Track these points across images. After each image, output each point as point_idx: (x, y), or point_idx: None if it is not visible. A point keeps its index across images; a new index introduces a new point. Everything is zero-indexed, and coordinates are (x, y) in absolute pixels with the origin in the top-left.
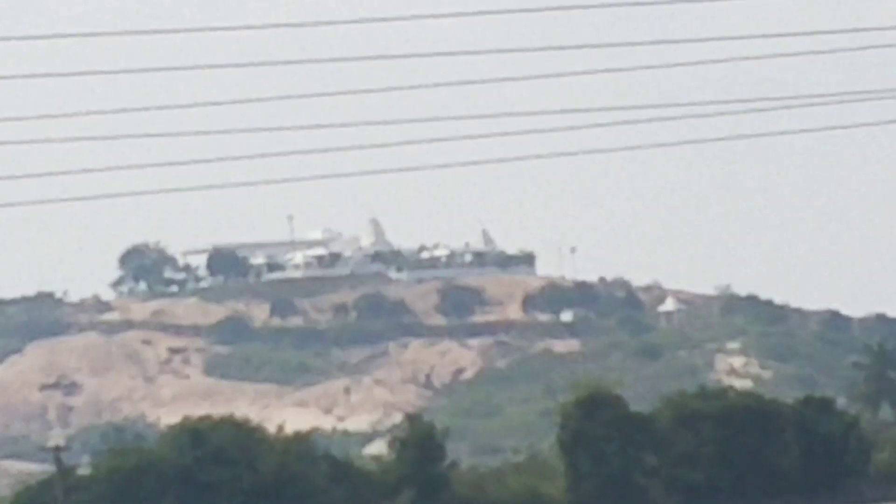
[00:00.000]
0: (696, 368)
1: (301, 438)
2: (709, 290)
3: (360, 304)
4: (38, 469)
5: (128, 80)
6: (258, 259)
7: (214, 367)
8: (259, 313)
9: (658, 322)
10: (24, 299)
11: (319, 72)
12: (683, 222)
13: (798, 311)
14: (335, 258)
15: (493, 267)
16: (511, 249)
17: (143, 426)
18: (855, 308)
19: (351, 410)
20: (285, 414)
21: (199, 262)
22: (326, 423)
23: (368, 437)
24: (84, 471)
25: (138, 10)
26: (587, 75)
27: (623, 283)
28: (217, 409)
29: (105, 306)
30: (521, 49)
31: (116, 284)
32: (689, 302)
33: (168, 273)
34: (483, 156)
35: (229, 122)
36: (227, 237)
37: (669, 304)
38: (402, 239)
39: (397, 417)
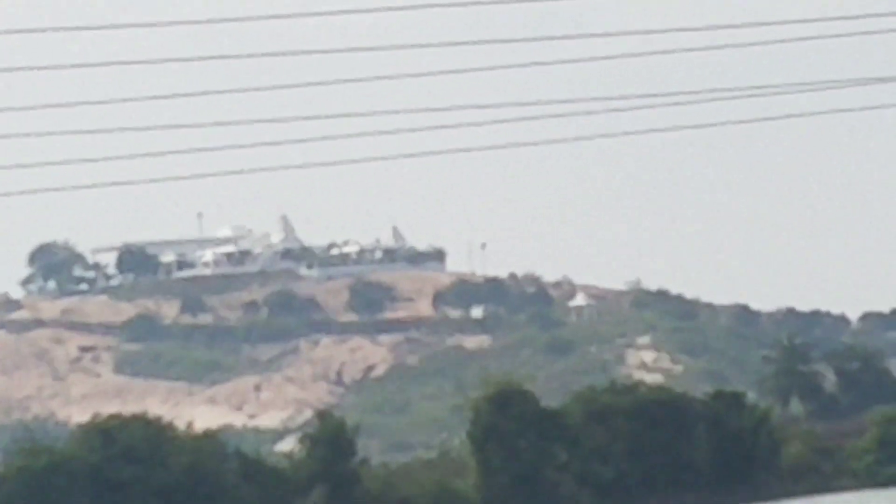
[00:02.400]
0: (607, 363)
1: (211, 436)
2: (619, 285)
3: (271, 301)
4: None
5: (35, 77)
6: (168, 257)
7: (125, 365)
8: (169, 311)
9: (568, 317)
10: None
11: (229, 68)
12: (593, 218)
13: (708, 305)
14: (245, 255)
15: (403, 263)
16: (421, 246)
17: (54, 425)
18: (764, 302)
19: (261, 408)
20: (196, 411)
21: (109, 259)
22: (237, 420)
23: (279, 435)
24: None
25: (36, 6)
26: (496, 70)
27: (533, 279)
28: (128, 408)
29: (14, 305)
30: (431, 45)
31: (25, 283)
32: (600, 297)
33: (78, 271)
34: (393, 152)
35: (138, 119)
36: (137, 235)
37: (580, 300)
38: (312, 236)
39: (308, 414)
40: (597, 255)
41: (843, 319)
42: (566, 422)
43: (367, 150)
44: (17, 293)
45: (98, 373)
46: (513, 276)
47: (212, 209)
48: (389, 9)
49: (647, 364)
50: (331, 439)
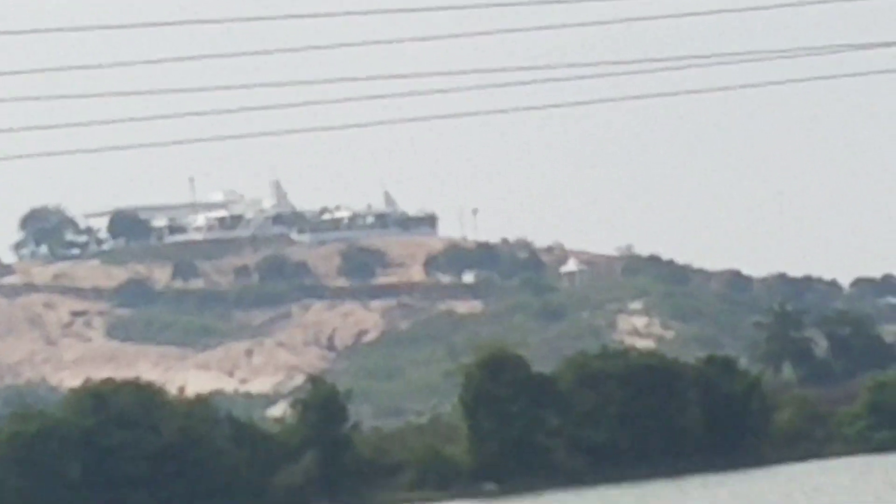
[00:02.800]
0: (599, 329)
1: (203, 401)
2: (611, 250)
3: (262, 267)
4: None
5: (27, 41)
6: (160, 221)
7: (116, 330)
8: (161, 276)
9: (560, 283)
10: None
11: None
12: (585, 183)
13: (700, 271)
14: (237, 220)
15: (395, 228)
16: (413, 211)
17: (45, 390)
18: (756, 268)
19: (253, 373)
20: (187, 376)
21: (101, 224)
22: (228, 385)
23: (271, 400)
24: None
25: None
26: (488, 35)
27: (525, 245)
28: (119, 372)
29: (6, 269)
30: (422, 9)
31: (17, 247)
32: (592, 263)
33: (69, 236)
34: (384, 117)
35: (131, 83)
36: (129, 200)
37: (571, 265)
38: (304, 201)
39: (299, 379)
40: (589, 220)
41: (834, 285)
42: (557, 387)
43: (358, 115)
44: (8, 258)
45: (90, 337)
46: (504, 241)
47: (204, 174)
48: None
49: (638, 329)
50: (322, 404)
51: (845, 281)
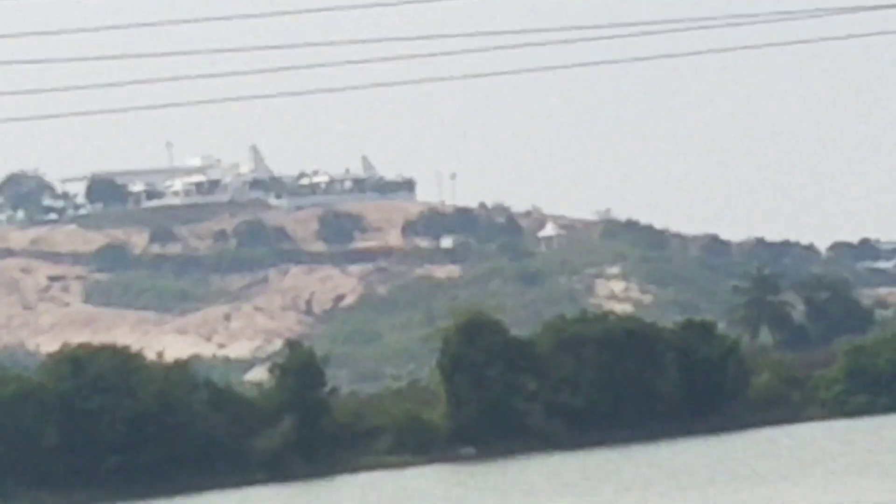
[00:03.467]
0: (577, 293)
1: (181, 366)
2: (589, 215)
3: (240, 231)
4: None
5: (3, 5)
6: (137, 186)
7: (94, 295)
8: (138, 241)
9: (538, 247)
10: None
11: None
12: (563, 148)
13: (678, 235)
14: (214, 185)
15: (372, 193)
16: (391, 175)
17: (23, 354)
18: (734, 232)
19: (231, 337)
20: (165, 341)
21: (78, 189)
22: (206, 350)
23: (249, 364)
24: None
25: None
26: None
27: (503, 209)
28: (97, 337)
29: None
30: None
31: None
32: (569, 227)
33: (47, 201)
34: (363, 81)
35: (108, 48)
36: (106, 164)
37: (549, 230)
38: (282, 165)
39: (277, 344)
40: (566, 185)
41: (812, 249)
42: (535, 351)
43: (337, 80)
44: None
45: (67, 302)
46: (482, 206)
47: (181, 139)
48: None
49: (616, 294)
50: (300, 369)
51: (823, 245)
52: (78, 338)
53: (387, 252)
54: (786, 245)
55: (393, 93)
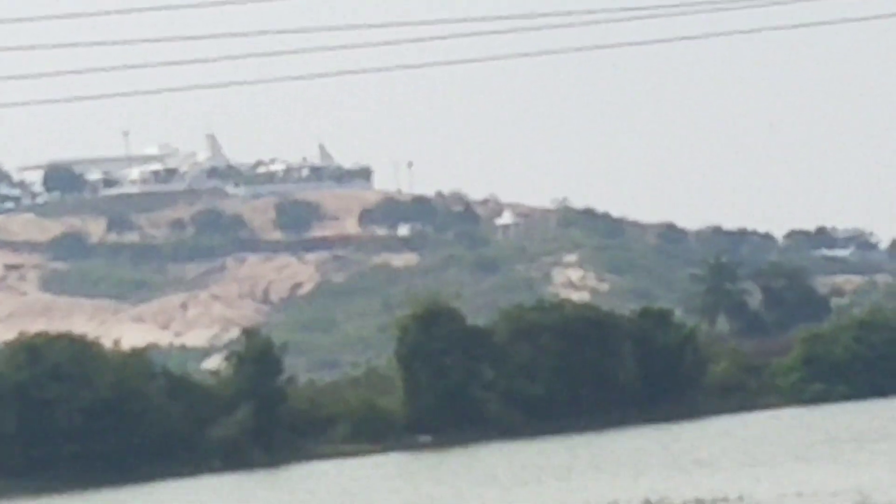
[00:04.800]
0: (534, 282)
1: (138, 354)
2: (546, 203)
3: (197, 220)
4: None
5: None
6: (94, 175)
7: (51, 284)
8: (95, 229)
9: (495, 235)
10: None
11: None
12: (520, 136)
13: (635, 223)
14: (171, 173)
15: (329, 181)
16: (348, 164)
17: None
18: (691, 220)
19: (188, 326)
20: (122, 330)
21: (35, 178)
22: (163, 338)
23: (206, 353)
24: None
25: None
26: None
27: (460, 197)
28: (54, 326)
29: None
30: None
31: None
32: (526, 215)
33: (3, 189)
34: (319, 69)
35: (64, 36)
36: (63, 153)
37: (507, 218)
38: (239, 154)
39: (235, 332)
40: (523, 173)
41: (769, 238)
42: (493, 340)
43: (294, 68)
44: None
45: (24, 291)
46: (439, 194)
47: (138, 127)
48: None
49: (573, 282)
50: (257, 357)
51: (779, 233)
52: (35, 326)
53: (344, 240)
54: (743, 233)
55: (350, 81)
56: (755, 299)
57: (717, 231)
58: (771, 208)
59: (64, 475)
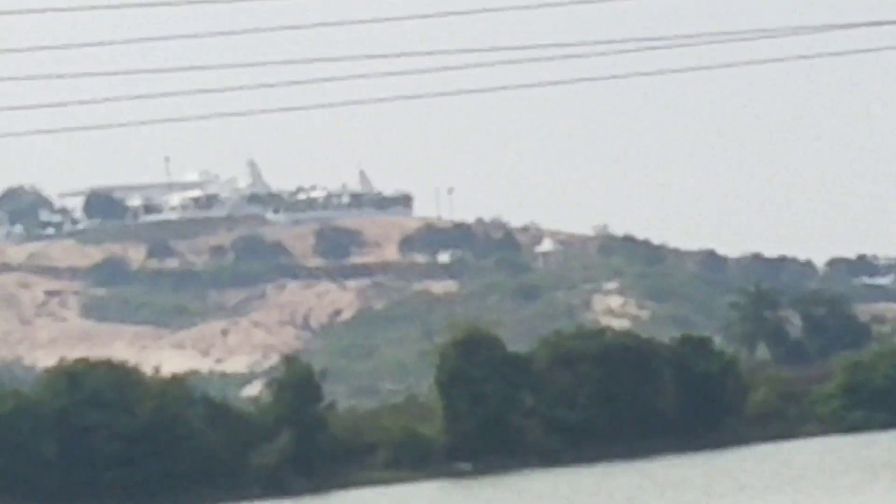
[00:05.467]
0: (574, 309)
1: (178, 381)
2: (586, 230)
3: (238, 246)
4: None
5: (1, 21)
6: (135, 201)
7: (91, 310)
8: (136, 255)
9: (535, 263)
10: None
11: (196, 13)
12: (561, 163)
13: (675, 251)
14: (212, 200)
15: (370, 208)
16: (388, 190)
17: (20, 369)
18: (731, 248)
19: (228, 352)
20: (163, 356)
21: (76, 204)
22: (203, 365)
23: (246, 379)
24: None
25: None
26: (464, 15)
27: (500, 224)
28: (94, 352)
29: None
30: None
31: None
32: (567, 242)
33: (44, 215)
34: (360, 96)
35: (106, 63)
36: (104, 179)
37: (547, 245)
38: (280, 180)
39: (275, 359)
40: (564, 200)
41: (809, 265)
42: (532, 367)
43: (334, 95)
44: None
45: (65, 317)
46: (480, 221)
47: (179, 153)
48: None
49: (613, 309)
50: (297, 384)
51: (820, 261)
52: (75, 353)
53: (384, 267)
54: (783, 261)
55: (391, 108)
56: (796, 327)
57: (757, 258)
58: (812, 236)
59: (103, 502)
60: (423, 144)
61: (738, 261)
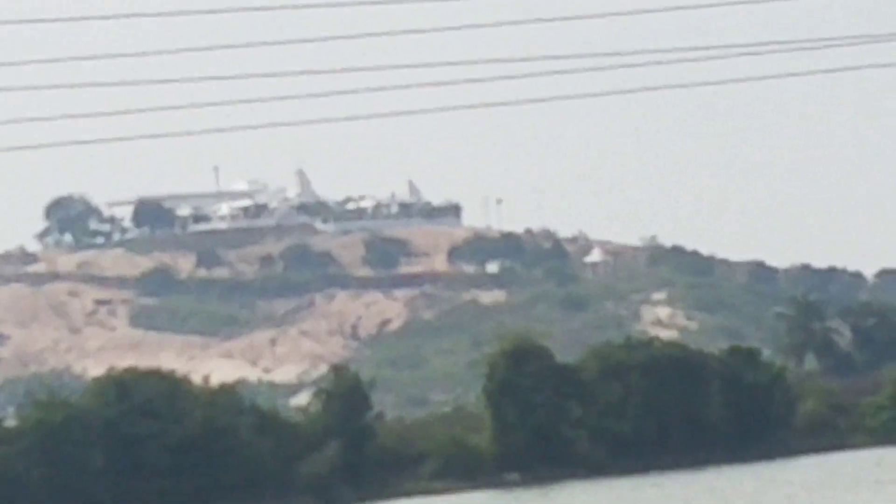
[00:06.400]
0: (622, 319)
1: (227, 390)
2: (635, 240)
3: (286, 256)
4: None
5: (51, 30)
6: (184, 210)
7: (140, 319)
8: (185, 265)
9: (584, 273)
10: None
11: (244, 22)
12: (609, 173)
13: (724, 261)
14: (261, 209)
15: (418, 218)
16: (437, 200)
17: (69, 378)
18: (780, 259)
19: (277, 362)
20: (211, 365)
21: (125, 213)
22: (252, 374)
23: (294, 389)
24: (10, 423)
25: None
26: (512, 25)
27: (549, 234)
28: (143, 361)
29: (30, 258)
30: None
31: (42, 236)
32: (616, 253)
33: (94, 224)
34: (409, 106)
35: (155, 72)
36: (153, 188)
37: (595, 255)
38: (328, 190)
39: (323, 369)
40: (613, 210)
41: (858, 276)
42: (581, 377)
43: (383, 105)
44: (33, 246)
45: (113, 326)
46: (528, 231)
47: (228, 163)
48: None
49: (662, 320)
50: (346, 394)
51: (870, 272)
52: (124, 362)
53: (432, 277)
54: (832, 271)
55: (440, 118)
56: (845, 338)
57: (806, 269)
58: (861, 247)
59: None
60: (472, 154)
61: (787, 272)
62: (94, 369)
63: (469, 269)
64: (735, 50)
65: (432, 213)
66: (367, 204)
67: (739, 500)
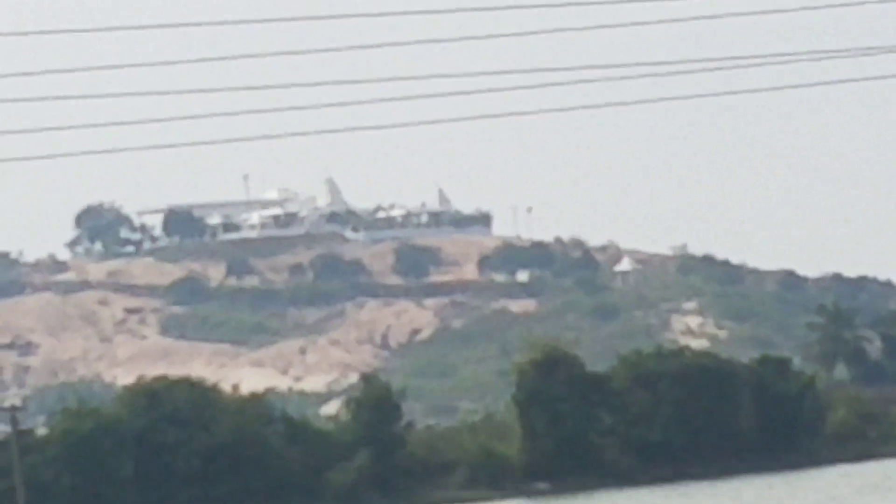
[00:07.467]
0: (652, 328)
1: (257, 399)
2: (665, 249)
3: (316, 264)
4: None
5: (80, 39)
6: (214, 219)
7: (170, 328)
8: (215, 273)
9: (614, 282)
10: None
11: (274, 31)
12: (639, 182)
13: (754, 271)
14: (291, 218)
15: (448, 227)
16: (467, 209)
17: (100, 387)
18: (811, 268)
19: (307, 370)
20: (241, 374)
21: (155, 222)
22: (282, 383)
23: (324, 398)
24: (40, 431)
25: None
26: (542, 34)
27: (579, 243)
28: (173, 370)
29: (61, 266)
30: (476, 8)
31: (72, 244)
32: (646, 262)
33: (124, 233)
34: (439, 115)
35: (185, 81)
36: (183, 197)
37: (625, 264)
38: (358, 199)
39: (353, 377)
40: (642, 219)
41: (889, 285)
42: (611, 386)
43: (413, 113)
44: (63, 255)
45: (144, 335)
46: (558, 240)
47: (258, 171)
48: None
49: (692, 329)
50: (376, 402)
51: None
52: (154, 370)
53: (463, 286)
54: (862, 280)
55: (469, 127)
56: (875, 347)
57: (836, 278)
58: (891, 256)
59: None
60: (502, 163)
61: (817, 281)
62: (124, 378)
63: (499, 277)
64: (759, 60)
65: (462, 221)
66: (397, 213)
67: None
